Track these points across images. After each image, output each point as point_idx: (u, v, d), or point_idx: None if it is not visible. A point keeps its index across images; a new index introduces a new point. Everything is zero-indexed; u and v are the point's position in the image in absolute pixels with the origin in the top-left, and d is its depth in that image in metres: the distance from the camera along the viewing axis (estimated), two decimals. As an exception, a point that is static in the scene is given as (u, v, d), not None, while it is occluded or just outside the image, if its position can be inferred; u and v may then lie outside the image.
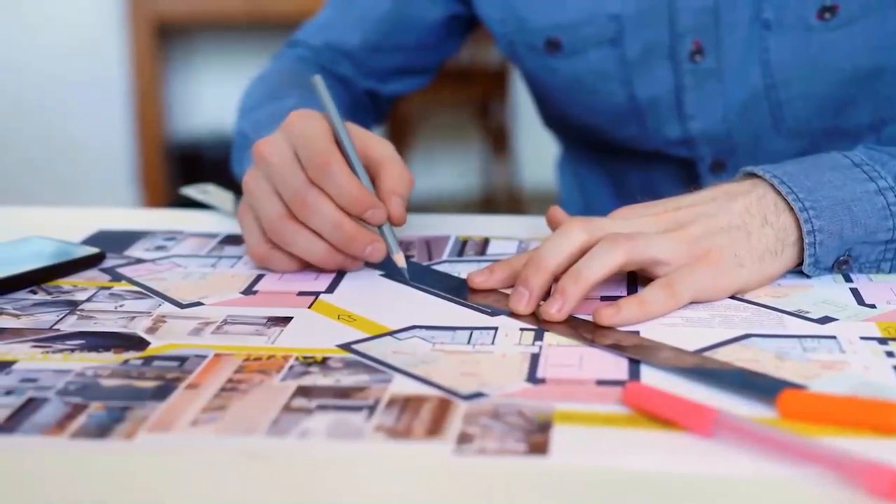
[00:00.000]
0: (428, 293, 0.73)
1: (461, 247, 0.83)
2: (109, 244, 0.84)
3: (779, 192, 0.71)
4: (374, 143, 0.75)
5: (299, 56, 1.12)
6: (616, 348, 0.62)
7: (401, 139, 3.39)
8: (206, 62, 3.87)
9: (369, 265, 0.77)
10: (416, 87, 1.16)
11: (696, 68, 0.95)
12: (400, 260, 0.74)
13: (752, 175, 0.74)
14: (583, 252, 0.69)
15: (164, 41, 3.68)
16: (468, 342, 0.64)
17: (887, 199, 0.71)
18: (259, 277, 0.76)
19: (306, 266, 0.76)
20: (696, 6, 0.93)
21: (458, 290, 0.73)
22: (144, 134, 3.63)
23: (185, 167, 3.69)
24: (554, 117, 1.12)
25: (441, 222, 0.90)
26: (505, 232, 0.87)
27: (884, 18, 0.89)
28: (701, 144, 0.98)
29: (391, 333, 0.65)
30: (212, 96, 3.85)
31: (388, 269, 0.76)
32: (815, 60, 0.91)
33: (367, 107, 1.13)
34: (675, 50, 0.95)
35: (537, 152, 3.97)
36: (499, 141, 3.90)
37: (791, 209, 0.71)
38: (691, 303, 0.69)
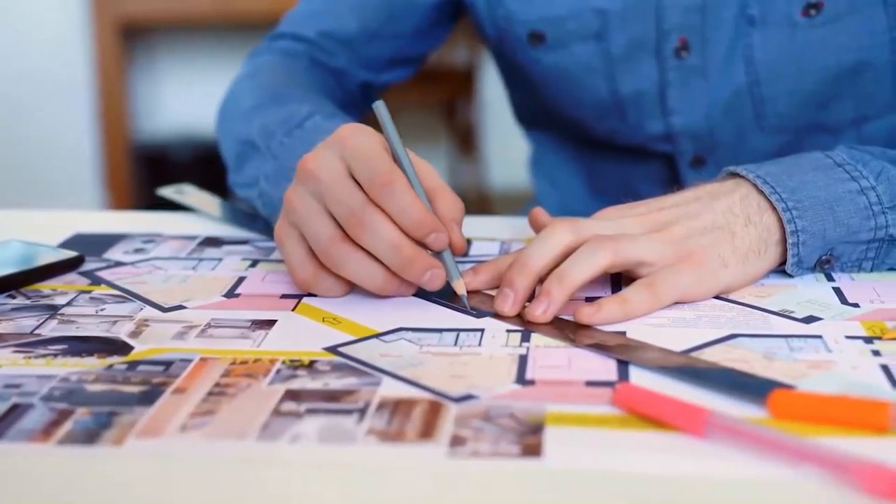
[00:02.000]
0: (412, 294, 0.72)
1: (443, 248, 0.83)
2: (87, 247, 0.83)
3: (762, 192, 0.72)
4: (425, 170, 0.72)
5: (285, 49, 1.08)
6: (603, 349, 0.62)
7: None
8: (171, 63, 3.85)
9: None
10: (403, 77, 1.14)
11: (680, 64, 0.95)
12: (461, 287, 0.70)
13: (735, 175, 0.74)
14: (567, 253, 0.69)
15: (128, 42, 3.66)
16: (455, 344, 0.63)
17: (869, 199, 0.71)
18: (241, 280, 0.75)
19: (354, 289, 0.72)
20: (683, 3, 0.93)
21: (441, 292, 0.72)
22: (110, 135, 3.60)
23: (151, 169, 3.66)
24: (532, 112, 1.12)
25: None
26: (485, 233, 0.87)
27: (868, 15, 0.89)
28: (682, 140, 0.99)
29: (377, 336, 0.65)
30: (178, 97, 3.82)
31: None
32: (800, 57, 0.92)
33: (357, 102, 1.10)
34: (661, 46, 0.95)
35: (505, 152, 3.97)
36: (466, 141, 3.90)
37: (774, 209, 0.71)
38: (676, 303, 0.69)
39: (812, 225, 0.70)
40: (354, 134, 0.69)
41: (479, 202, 3.86)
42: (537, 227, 0.77)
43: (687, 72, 0.95)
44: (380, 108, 0.71)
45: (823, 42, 0.91)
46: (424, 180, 0.70)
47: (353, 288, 0.72)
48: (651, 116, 0.99)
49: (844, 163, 0.73)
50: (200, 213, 0.93)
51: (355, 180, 0.68)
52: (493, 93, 3.86)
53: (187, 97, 3.81)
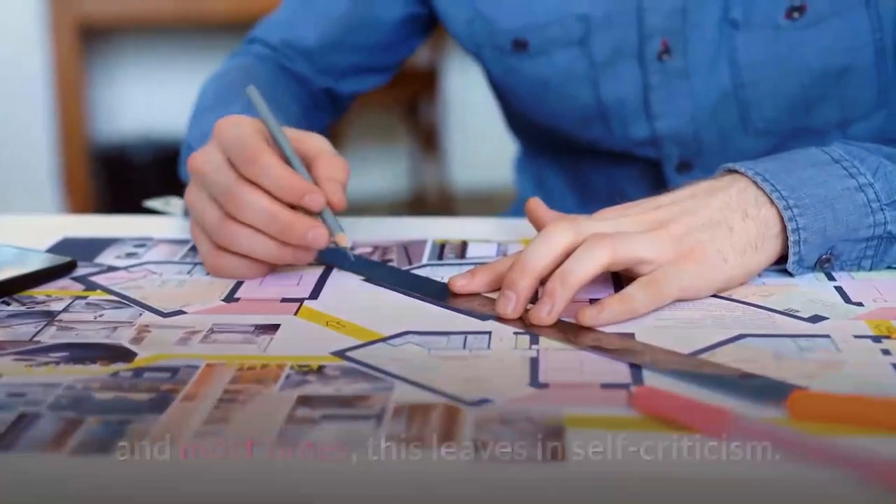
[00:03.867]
0: (413, 297, 0.72)
1: (439, 250, 0.82)
2: (77, 252, 0.81)
3: (760, 189, 0.72)
4: (307, 138, 0.76)
5: (257, 54, 1.10)
6: (611, 352, 0.61)
7: (330, 140, 3.34)
8: (131, 64, 3.81)
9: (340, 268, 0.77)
10: (375, 85, 1.15)
11: (663, 68, 0.95)
12: (343, 240, 0.72)
13: (731, 171, 0.74)
14: (568, 253, 0.68)
15: (87, 43, 3.62)
16: (463, 347, 0.63)
17: (867, 196, 0.72)
18: (239, 284, 0.74)
19: (264, 267, 0.74)
20: (664, 7, 0.93)
21: (439, 294, 0.72)
22: (68, 138, 3.56)
23: (111, 171, 3.63)
24: (519, 119, 1.12)
25: (416, 225, 0.90)
26: (480, 234, 0.86)
27: (852, 18, 0.90)
28: (668, 144, 0.99)
29: (384, 340, 0.64)
30: (137, 99, 3.79)
31: (363, 272, 0.75)
32: (784, 60, 0.92)
33: (324, 105, 1.12)
34: (643, 50, 0.95)
35: (468, 152, 3.98)
36: (429, 141, 3.90)
37: (771, 203, 0.71)
38: (680, 301, 0.69)
39: (813, 223, 0.71)
40: (228, 126, 0.73)
41: (441, 202, 3.85)
42: (535, 219, 0.77)
43: (670, 75, 0.95)
44: (252, 92, 0.77)
45: (807, 44, 0.91)
46: (306, 147, 0.75)
47: (261, 266, 0.74)
48: (636, 121, 0.98)
49: (841, 159, 0.73)
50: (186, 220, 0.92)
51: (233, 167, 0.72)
52: (455, 93, 3.86)
53: (147, 99, 3.77)
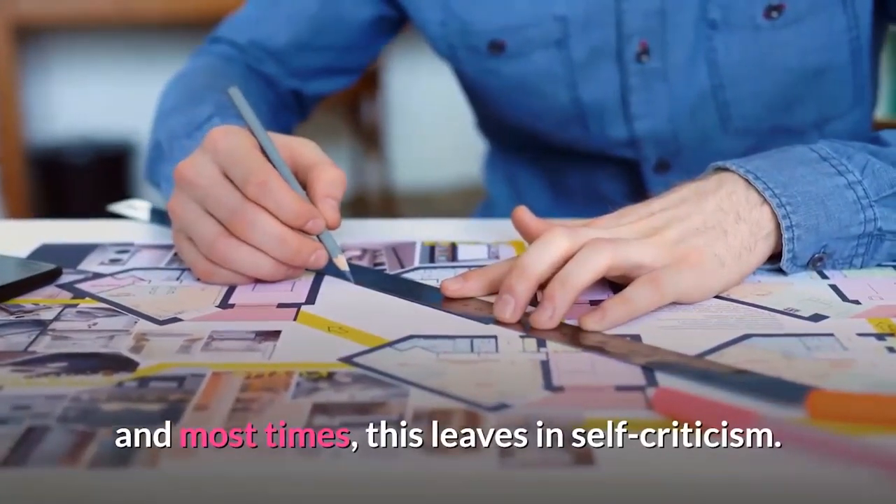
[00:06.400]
0: (409, 301, 0.71)
1: (430, 253, 0.82)
2: (58, 259, 0.79)
3: (750, 187, 0.72)
4: (300, 147, 0.75)
5: (223, 54, 1.09)
6: (616, 355, 0.61)
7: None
8: (67, 65, 3.75)
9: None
10: (341, 86, 1.15)
11: (642, 69, 0.95)
12: (342, 263, 0.74)
13: (719, 170, 0.74)
14: (566, 259, 0.68)
15: (22, 43, 3.56)
16: (471, 351, 0.62)
17: (857, 193, 0.72)
18: (232, 290, 0.73)
19: (252, 277, 0.74)
20: (643, 8, 0.93)
21: (429, 298, 0.72)
22: (3, 140, 3.49)
23: (47, 174, 3.57)
24: (493, 120, 1.11)
25: (399, 227, 0.89)
26: (467, 236, 0.86)
27: (829, 17, 0.91)
28: (646, 145, 0.99)
29: (390, 344, 0.63)
30: (74, 100, 3.73)
31: (361, 281, 0.75)
32: (763, 59, 0.93)
33: (291, 106, 1.12)
34: (622, 51, 0.95)
35: (410, 152, 3.97)
36: (371, 141, 3.88)
37: (763, 203, 0.71)
38: (677, 304, 0.69)
39: (806, 220, 0.71)
40: (224, 137, 0.72)
41: (383, 202, 3.84)
42: (523, 227, 0.76)
43: (649, 76, 0.96)
44: (236, 95, 0.75)
45: (786, 44, 0.92)
46: (300, 158, 0.74)
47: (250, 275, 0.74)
48: (614, 123, 0.99)
49: (829, 157, 0.74)
50: (162, 224, 0.90)
51: (231, 181, 0.71)
52: (397, 92, 3.85)
53: (84, 100, 3.72)
